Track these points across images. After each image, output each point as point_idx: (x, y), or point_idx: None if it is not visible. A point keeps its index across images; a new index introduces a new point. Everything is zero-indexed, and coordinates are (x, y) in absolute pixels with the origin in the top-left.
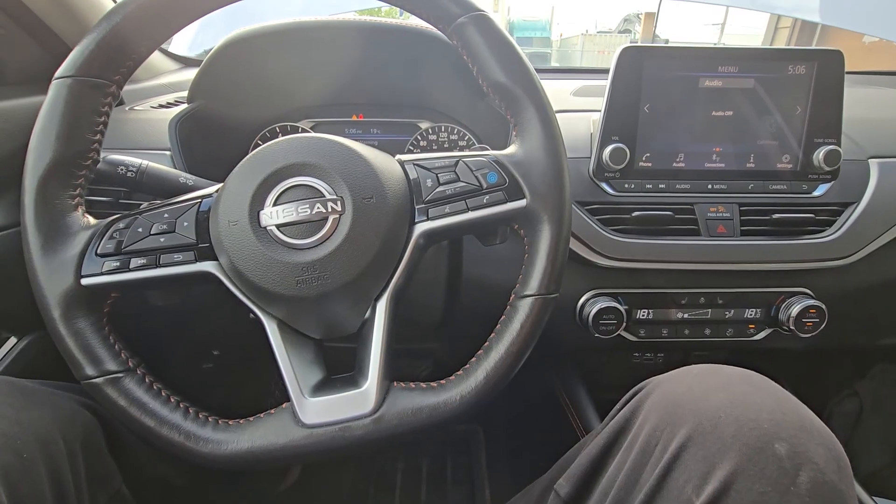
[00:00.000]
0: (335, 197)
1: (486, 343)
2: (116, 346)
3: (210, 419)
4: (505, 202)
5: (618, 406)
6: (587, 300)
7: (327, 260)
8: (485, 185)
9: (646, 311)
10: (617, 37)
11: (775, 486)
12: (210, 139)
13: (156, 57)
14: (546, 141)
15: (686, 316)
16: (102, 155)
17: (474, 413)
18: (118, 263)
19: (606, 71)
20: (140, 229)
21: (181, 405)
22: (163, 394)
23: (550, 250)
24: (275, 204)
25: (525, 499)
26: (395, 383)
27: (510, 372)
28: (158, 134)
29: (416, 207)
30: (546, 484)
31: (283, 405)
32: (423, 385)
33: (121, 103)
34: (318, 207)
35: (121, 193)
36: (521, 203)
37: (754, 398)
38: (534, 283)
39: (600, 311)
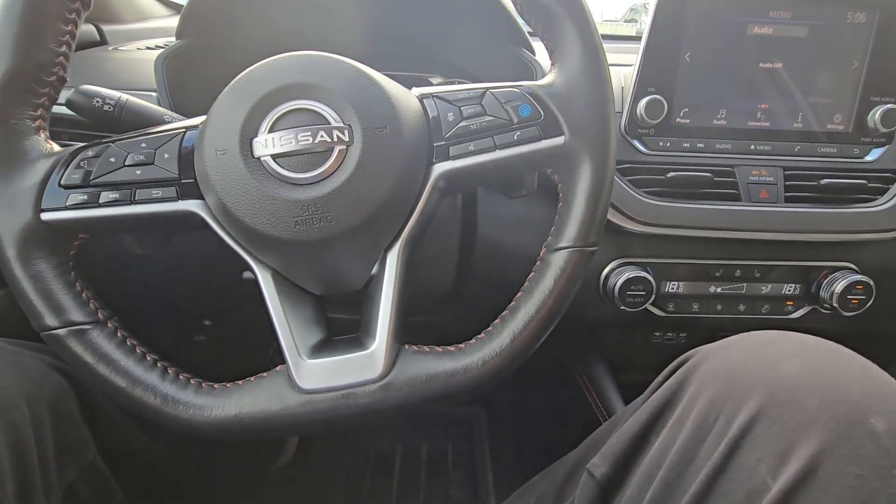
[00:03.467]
0: (342, 125)
1: (513, 303)
2: (84, 295)
3: (192, 381)
4: (539, 139)
5: (659, 379)
6: (613, 269)
7: (331, 198)
8: (516, 120)
9: (676, 283)
10: (623, 26)
11: (874, 469)
12: (200, 80)
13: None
14: (589, 68)
15: (719, 290)
16: (75, 86)
17: (497, 382)
18: (86, 197)
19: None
20: (112, 159)
21: (159, 364)
22: (137, 351)
23: (591, 195)
24: (270, 131)
25: (548, 480)
26: (405, 346)
27: (540, 335)
28: (143, 74)
29: (435, 145)
30: (573, 465)
31: (278, 368)
32: (439, 349)
33: (103, 43)
34: (322, 136)
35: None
36: (559, 141)
37: (837, 366)
38: (570, 232)
39: (628, 282)
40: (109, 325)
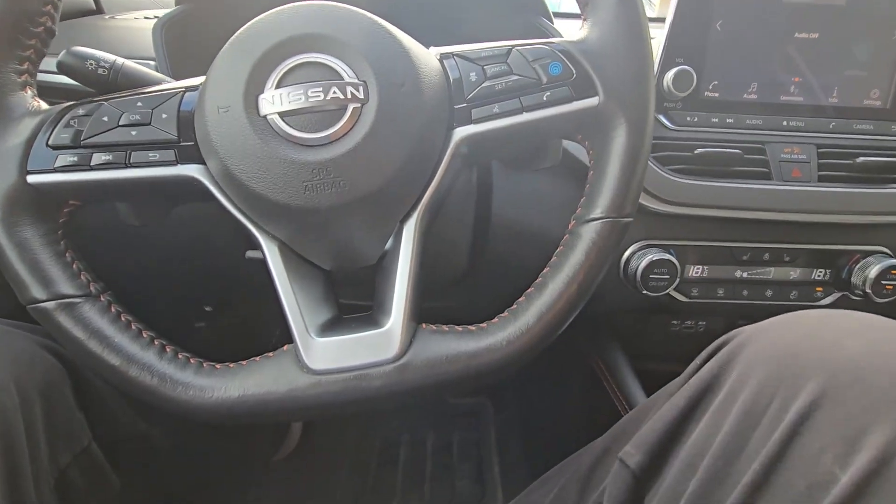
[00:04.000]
0: (356, 81)
1: (539, 279)
2: (75, 266)
3: (192, 361)
4: (571, 100)
5: (697, 362)
6: (634, 252)
7: (344, 161)
8: (545, 80)
9: (700, 267)
10: None
11: None
12: (201, 47)
13: None
14: (625, 22)
15: (746, 275)
16: (67, 47)
17: (522, 364)
18: (76, 159)
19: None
20: (105, 118)
21: (156, 342)
22: (133, 327)
23: (627, 162)
24: (278, 86)
25: (569, 470)
26: (423, 325)
27: (570, 313)
28: (140, 43)
29: (456, 108)
30: (598, 454)
31: (285, 347)
32: (459, 328)
33: (99, 11)
34: (335, 92)
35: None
36: (592, 102)
37: None
38: (603, 202)
39: (651, 265)
40: (102, 298)
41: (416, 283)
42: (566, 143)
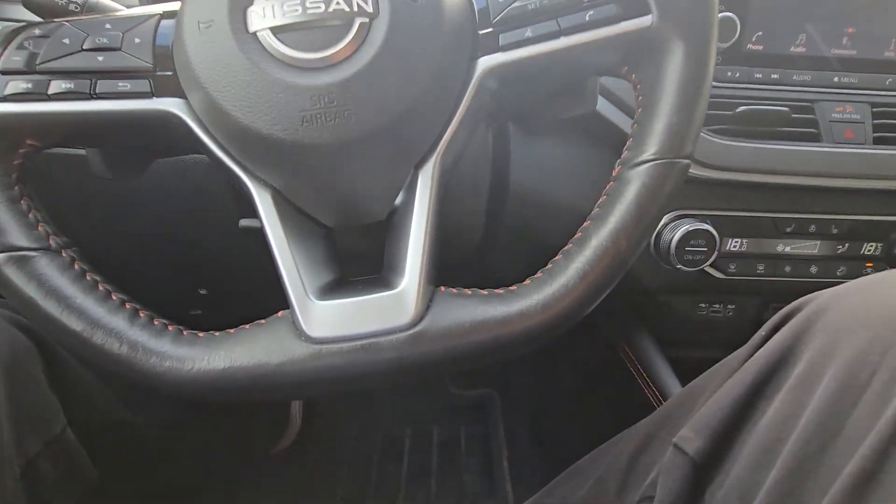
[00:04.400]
0: None
1: (578, 234)
2: (31, 216)
3: (171, 328)
4: (618, 20)
5: (762, 333)
6: (667, 223)
7: (349, 87)
8: None
9: (739, 240)
10: None
11: None
12: None
13: None
14: None
15: (789, 249)
16: None
17: (558, 333)
18: (30, 86)
19: None
20: (66, 41)
21: (128, 305)
22: (100, 288)
23: (686, 91)
24: None
25: (605, 461)
26: (441, 288)
27: (617, 271)
28: None
29: (481, 34)
30: (640, 442)
31: (280, 314)
32: (484, 291)
33: None
34: (338, 4)
35: None
36: (644, 21)
37: None
38: (656, 139)
39: (687, 236)
40: (64, 254)
41: (434, 240)
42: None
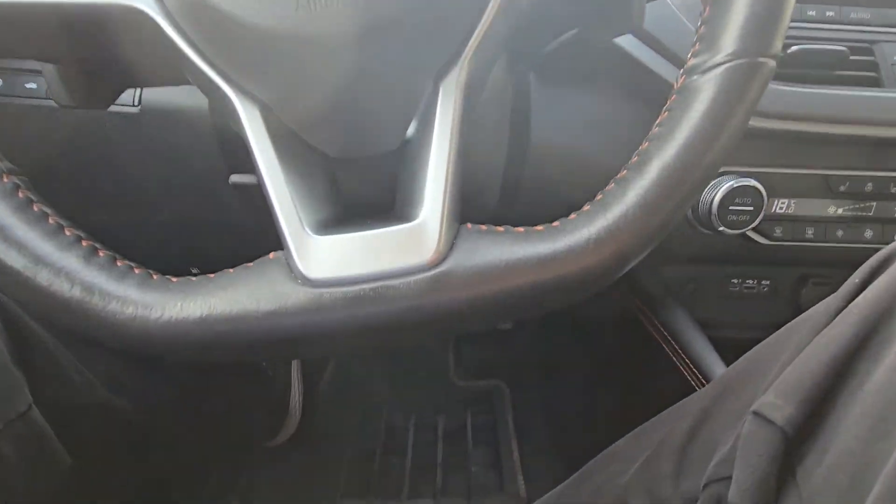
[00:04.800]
0: None
1: (635, 158)
2: None
3: (137, 270)
4: None
5: (855, 281)
6: None
7: None
8: None
9: (786, 201)
10: None
11: None
12: None
13: None
14: None
15: (842, 211)
16: None
17: (616, 276)
18: None
19: None
20: None
21: (84, 243)
22: (50, 221)
23: None
24: None
25: (651, 440)
26: (468, 225)
27: (688, 198)
28: None
29: None
30: (699, 415)
31: (271, 255)
32: (520, 228)
33: None
34: None
35: None
36: None
37: None
38: (733, 35)
39: (732, 193)
40: (6, 179)
41: (458, 169)
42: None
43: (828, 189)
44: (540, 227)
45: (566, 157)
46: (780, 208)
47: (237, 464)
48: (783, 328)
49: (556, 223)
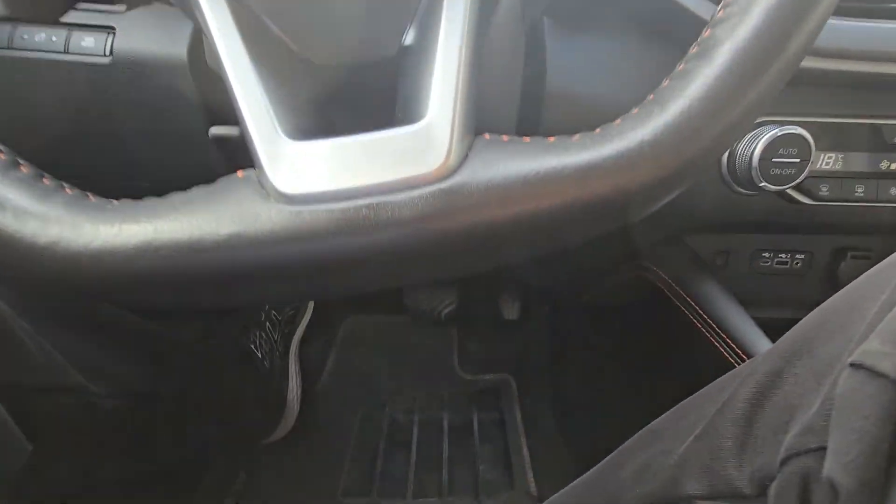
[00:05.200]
0: None
1: (694, 48)
2: None
3: (70, 190)
4: None
5: None
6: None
7: None
8: None
9: (833, 155)
10: None
11: None
12: None
13: None
14: None
15: (894, 166)
16: None
17: (677, 190)
18: None
19: None
20: None
21: (3, 156)
22: None
23: None
24: None
25: (701, 413)
26: (485, 135)
27: (772, 87)
28: None
29: None
30: (764, 379)
31: (239, 172)
32: (550, 138)
33: None
34: None
35: None
36: None
37: None
38: None
39: (775, 143)
40: None
41: (471, 75)
42: None
43: (881, 141)
44: (576, 137)
45: (586, 106)
46: (826, 164)
47: (235, 460)
48: (865, 275)
49: (596, 130)
